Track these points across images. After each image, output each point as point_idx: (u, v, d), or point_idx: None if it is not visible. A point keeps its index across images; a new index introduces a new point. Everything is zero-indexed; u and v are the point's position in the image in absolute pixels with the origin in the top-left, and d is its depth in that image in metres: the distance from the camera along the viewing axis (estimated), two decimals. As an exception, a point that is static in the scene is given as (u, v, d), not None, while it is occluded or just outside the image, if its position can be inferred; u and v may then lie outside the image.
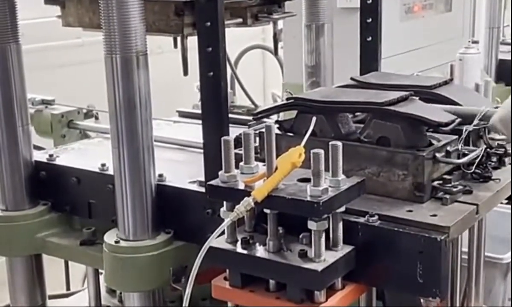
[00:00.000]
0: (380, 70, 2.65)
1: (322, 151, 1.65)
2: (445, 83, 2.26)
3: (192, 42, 2.14)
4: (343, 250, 1.74)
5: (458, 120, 1.98)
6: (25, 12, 2.38)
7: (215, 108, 1.95)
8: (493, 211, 2.52)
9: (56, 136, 2.89)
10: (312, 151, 1.66)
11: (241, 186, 1.77)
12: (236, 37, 2.70)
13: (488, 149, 2.02)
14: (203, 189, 2.01)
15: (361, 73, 2.63)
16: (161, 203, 2.11)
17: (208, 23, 1.90)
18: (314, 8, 2.67)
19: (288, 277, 1.71)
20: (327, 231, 1.72)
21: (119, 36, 1.95)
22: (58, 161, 2.39)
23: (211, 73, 1.93)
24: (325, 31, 2.69)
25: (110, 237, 2.10)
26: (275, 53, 3.38)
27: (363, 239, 1.75)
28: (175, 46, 2.31)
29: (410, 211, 1.80)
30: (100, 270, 2.39)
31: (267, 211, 1.74)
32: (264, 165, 1.77)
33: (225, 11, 1.95)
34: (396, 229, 1.72)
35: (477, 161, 1.93)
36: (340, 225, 1.74)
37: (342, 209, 1.72)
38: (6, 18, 2.23)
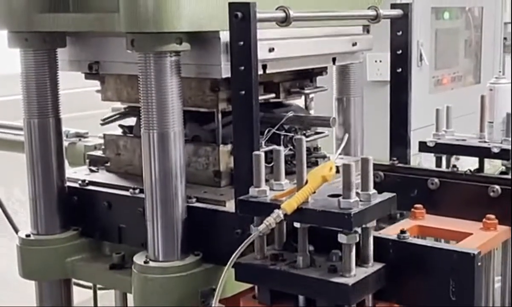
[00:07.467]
0: (410, 142, 2.52)
1: (353, 164, 1.65)
2: None
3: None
4: (374, 266, 1.72)
5: None
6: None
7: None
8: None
9: (89, 167, 2.90)
10: (343, 163, 1.66)
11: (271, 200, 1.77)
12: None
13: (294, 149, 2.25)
14: (232, 210, 2.02)
15: (391, 146, 2.53)
16: (190, 224, 2.11)
17: (242, 92, 1.92)
18: (344, 82, 2.70)
19: (318, 292, 1.69)
20: (357, 248, 1.70)
21: (157, 113, 1.99)
22: (89, 186, 2.41)
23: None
24: (355, 104, 2.71)
25: (139, 258, 2.10)
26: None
27: (394, 256, 1.74)
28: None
29: (206, 192, 2.19)
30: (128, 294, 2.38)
31: (297, 225, 1.74)
32: (294, 183, 1.78)
33: (259, 85, 1.97)
34: (427, 245, 1.70)
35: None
36: (371, 240, 1.72)
37: (373, 223, 1.71)
38: (47, 93, 2.26)
